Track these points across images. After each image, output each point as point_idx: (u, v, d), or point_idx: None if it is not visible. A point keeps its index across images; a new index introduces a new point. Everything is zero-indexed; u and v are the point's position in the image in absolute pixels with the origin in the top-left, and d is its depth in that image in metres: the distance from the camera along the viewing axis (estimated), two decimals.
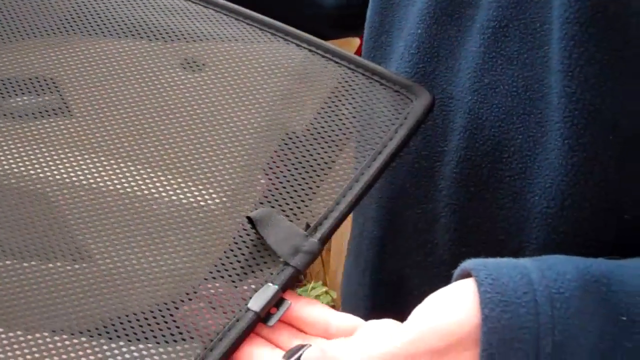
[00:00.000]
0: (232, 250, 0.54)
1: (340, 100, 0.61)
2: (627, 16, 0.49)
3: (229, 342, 0.50)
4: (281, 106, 0.61)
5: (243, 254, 0.53)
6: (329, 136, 0.58)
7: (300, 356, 0.48)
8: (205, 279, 0.53)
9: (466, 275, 0.49)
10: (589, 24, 0.50)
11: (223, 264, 0.53)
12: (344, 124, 0.59)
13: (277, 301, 0.51)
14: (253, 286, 0.52)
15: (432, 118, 0.60)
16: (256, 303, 0.50)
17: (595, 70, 0.51)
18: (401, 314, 0.65)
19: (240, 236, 0.54)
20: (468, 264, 0.48)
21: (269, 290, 0.50)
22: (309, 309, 0.51)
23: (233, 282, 0.52)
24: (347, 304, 0.73)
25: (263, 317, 0.50)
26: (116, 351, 0.51)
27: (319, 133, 0.59)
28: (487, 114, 0.56)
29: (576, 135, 0.52)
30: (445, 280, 0.61)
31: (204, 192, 0.57)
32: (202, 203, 0.57)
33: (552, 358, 0.44)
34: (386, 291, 0.66)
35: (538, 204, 0.55)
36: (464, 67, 0.58)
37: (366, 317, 0.67)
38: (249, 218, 0.53)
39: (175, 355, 0.50)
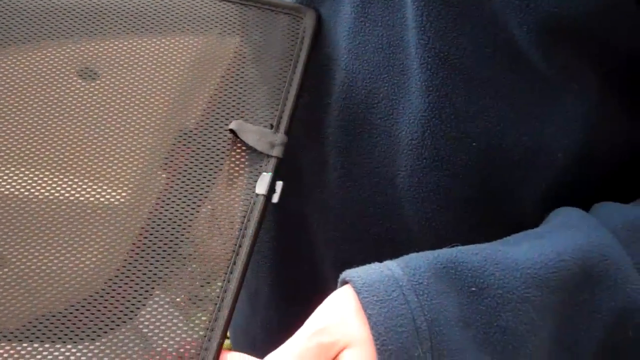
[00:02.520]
0: (228, 161, 0.66)
1: (242, 34, 0.73)
2: None
3: (255, 221, 0.63)
4: (179, 95, 0.69)
5: (236, 160, 0.66)
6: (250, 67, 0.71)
7: None
8: (116, 276, 0.61)
9: (345, 282, 0.60)
10: None
11: (220, 169, 0.65)
12: (256, 51, 0.72)
13: (272, 184, 0.65)
14: (252, 179, 0.65)
15: (316, 77, 0.72)
16: (261, 188, 0.64)
17: (442, 24, 0.64)
18: (302, 248, 0.77)
19: (228, 150, 0.66)
20: (346, 274, 0.59)
21: (266, 177, 0.65)
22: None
23: (234, 182, 0.65)
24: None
25: (268, 197, 0.64)
26: (35, 352, 0.57)
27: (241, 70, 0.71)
28: (359, 69, 0.69)
29: (431, 78, 0.65)
30: (337, 211, 0.73)
31: (108, 190, 0.64)
32: (105, 201, 0.64)
33: (430, 332, 0.56)
34: (289, 229, 0.77)
35: (405, 137, 0.67)
36: (340, 32, 0.70)
37: (272, 255, 0.78)
38: (231, 130, 0.66)
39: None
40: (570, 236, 0.60)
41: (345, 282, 0.60)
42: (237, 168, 0.66)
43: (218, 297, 0.61)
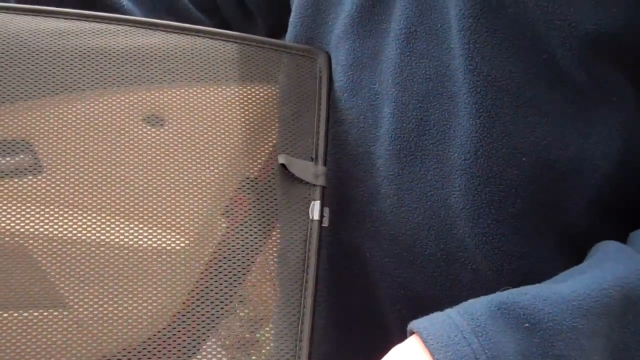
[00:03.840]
0: (280, 192, 0.71)
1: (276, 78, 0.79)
2: (505, 7, 0.69)
3: (315, 241, 0.70)
4: (242, 143, 0.74)
5: (287, 192, 0.72)
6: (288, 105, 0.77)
7: None
8: (175, 320, 0.65)
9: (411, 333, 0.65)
10: (480, 16, 0.69)
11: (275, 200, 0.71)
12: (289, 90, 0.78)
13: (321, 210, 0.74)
14: (304, 207, 0.72)
15: (363, 113, 0.77)
16: (315, 214, 0.72)
17: (488, 51, 0.70)
18: (355, 279, 0.81)
19: (275, 182, 0.72)
20: (412, 325, 0.65)
21: (316, 204, 0.72)
22: None
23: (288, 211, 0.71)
24: None
25: (321, 221, 0.72)
26: None
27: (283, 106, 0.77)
28: (409, 99, 0.74)
29: (480, 101, 0.70)
30: (390, 238, 0.77)
31: (169, 236, 0.67)
32: (167, 247, 0.67)
33: None
34: (342, 261, 0.81)
35: (457, 159, 0.72)
36: (385, 68, 0.75)
37: (326, 288, 0.81)
38: (282, 164, 0.73)
39: None
40: (609, 268, 0.66)
41: (412, 333, 0.65)
42: (288, 199, 0.72)
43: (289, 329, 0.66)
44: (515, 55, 0.69)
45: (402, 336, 0.79)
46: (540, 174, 0.71)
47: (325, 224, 0.73)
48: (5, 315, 0.62)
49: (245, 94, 0.77)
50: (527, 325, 0.63)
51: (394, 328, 0.80)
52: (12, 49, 0.74)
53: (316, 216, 0.72)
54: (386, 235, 0.77)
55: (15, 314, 0.62)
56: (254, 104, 0.77)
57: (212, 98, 0.76)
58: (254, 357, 0.67)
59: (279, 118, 0.76)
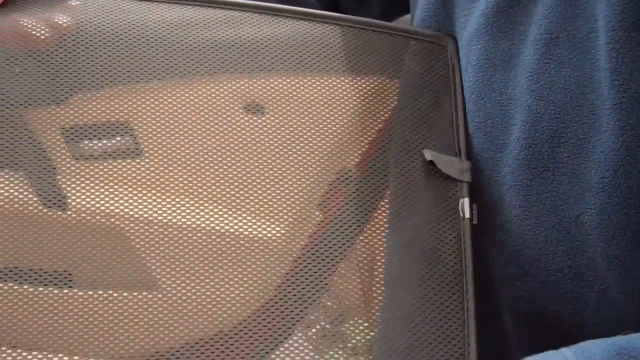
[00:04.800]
0: (425, 191, 0.70)
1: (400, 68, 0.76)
2: None
3: (469, 240, 0.68)
4: (342, 135, 0.71)
5: (432, 190, 0.70)
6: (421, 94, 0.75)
7: None
8: (263, 308, 0.63)
9: None
10: (631, 29, 0.64)
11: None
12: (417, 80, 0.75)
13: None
14: (452, 205, 0.70)
15: (491, 117, 0.73)
16: (465, 212, 0.70)
17: (637, 66, 0.65)
18: (477, 283, 0.78)
19: (425, 179, 0.70)
20: None
21: (465, 201, 0.70)
22: None
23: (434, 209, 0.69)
24: None
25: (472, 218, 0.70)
26: None
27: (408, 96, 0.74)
28: (544, 109, 0.70)
29: (625, 118, 0.66)
30: (514, 249, 0.74)
31: (264, 224, 0.66)
32: (261, 235, 0.66)
33: None
34: None
35: (595, 176, 0.68)
36: (520, 73, 0.71)
37: None
38: (431, 161, 0.71)
39: None
40: None
41: None
42: (434, 197, 0.70)
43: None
44: None
45: (519, 345, 0.77)
46: None
47: (475, 221, 0.71)
48: (100, 292, 0.62)
49: (357, 84, 0.75)
50: None
51: (512, 337, 0.77)
52: (137, 39, 0.74)
53: (467, 214, 0.70)
54: (510, 245, 0.74)
55: (111, 292, 0.62)
56: (364, 94, 0.74)
57: (321, 88, 0.74)
58: (338, 349, 0.66)
59: (411, 111, 0.74)
